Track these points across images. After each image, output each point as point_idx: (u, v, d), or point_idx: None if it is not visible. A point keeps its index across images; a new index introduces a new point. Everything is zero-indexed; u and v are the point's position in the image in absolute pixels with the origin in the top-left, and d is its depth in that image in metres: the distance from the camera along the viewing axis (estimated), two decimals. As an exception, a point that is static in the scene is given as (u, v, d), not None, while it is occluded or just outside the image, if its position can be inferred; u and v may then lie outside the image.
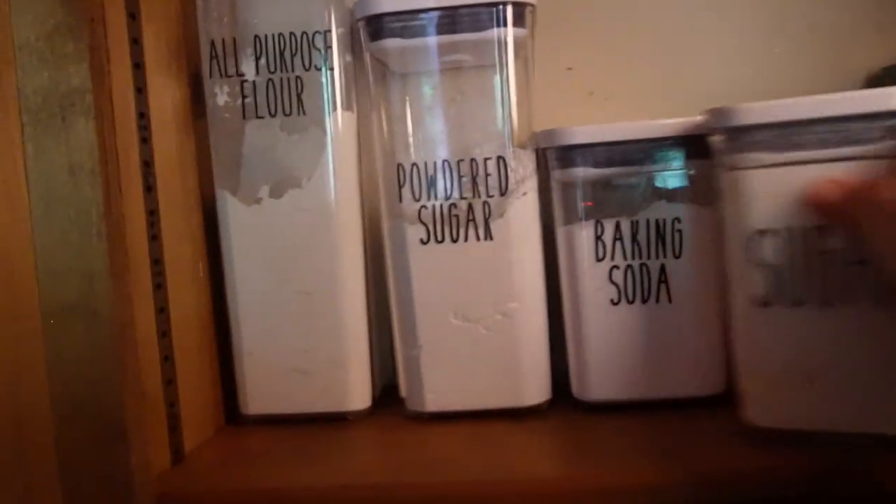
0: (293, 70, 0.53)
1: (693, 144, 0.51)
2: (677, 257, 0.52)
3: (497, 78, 0.52)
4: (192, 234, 0.54)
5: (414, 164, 0.53)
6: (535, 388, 0.54)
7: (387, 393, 0.58)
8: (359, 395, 0.55)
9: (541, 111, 0.54)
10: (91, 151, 0.42)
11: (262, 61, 0.54)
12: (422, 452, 0.49)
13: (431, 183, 0.53)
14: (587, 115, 0.61)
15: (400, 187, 0.53)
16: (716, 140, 0.45)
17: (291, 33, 0.53)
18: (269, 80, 0.54)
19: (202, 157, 0.56)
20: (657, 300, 0.52)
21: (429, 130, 0.53)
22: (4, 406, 0.43)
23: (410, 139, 0.53)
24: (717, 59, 0.60)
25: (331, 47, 0.53)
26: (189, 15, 0.55)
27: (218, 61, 0.54)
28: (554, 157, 0.53)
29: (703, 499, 0.42)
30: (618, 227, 0.52)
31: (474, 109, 0.53)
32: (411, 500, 0.44)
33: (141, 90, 0.48)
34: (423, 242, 0.53)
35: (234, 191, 0.54)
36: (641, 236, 0.52)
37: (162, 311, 0.49)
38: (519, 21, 0.51)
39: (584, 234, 0.52)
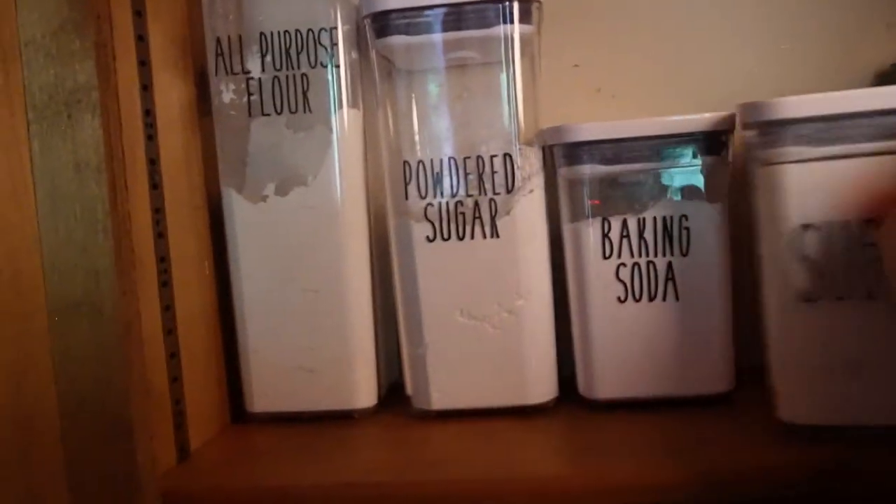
0: (299, 67, 0.53)
1: (701, 141, 0.50)
2: (685, 255, 0.51)
3: (503, 75, 0.52)
4: (198, 231, 0.54)
5: (420, 162, 0.52)
6: (541, 387, 0.53)
7: (393, 391, 0.58)
8: (364, 394, 0.55)
9: (547, 108, 0.54)
10: (97, 148, 0.42)
11: (268, 59, 0.54)
12: (427, 451, 0.49)
13: (437, 180, 0.52)
14: (594, 112, 0.60)
15: (406, 185, 0.53)
16: (749, 135, 0.45)
17: (297, 30, 0.53)
18: (275, 77, 0.54)
19: (208, 154, 0.56)
20: (664, 298, 0.52)
21: (435, 128, 0.53)
22: (11, 403, 0.43)
23: (416, 137, 0.53)
24: (724, 56, 0.60)
25: (336, 44, 0.53)
26: (195, 12, 0.55)
27: (224, 59, 0.54)
28: (560, 154, 0.53)
29: (711, 498, 0.42)
30: (625, 224, 0.52)
31: (480, 107, 0.52)
32: (417, 498, 0.44)
33: (147, 87, 0.48)
34: (429, 240, 0.53)
35: (239, 188, 0.54)
36: (648, 234, 0.52)
37: (168, 308, 0.49)
38: (525, 18, 0.51)
39: (591, 231, 0.52)
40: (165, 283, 0.49)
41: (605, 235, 0.52)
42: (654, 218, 0.51)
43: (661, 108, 0.56)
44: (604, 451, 0.47)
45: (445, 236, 0.52)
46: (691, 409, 0.51)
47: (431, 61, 0.53)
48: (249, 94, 0.54)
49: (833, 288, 0.43)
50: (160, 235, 0.49)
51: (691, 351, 0.52)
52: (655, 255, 0.52)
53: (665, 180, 0.51)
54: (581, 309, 0.53)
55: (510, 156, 0.52)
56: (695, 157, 0.51)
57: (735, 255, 0.52)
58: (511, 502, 0.43)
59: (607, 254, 0.52)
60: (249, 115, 0.54)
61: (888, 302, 0.42)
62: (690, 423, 0.49)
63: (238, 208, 0.55)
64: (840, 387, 0.43)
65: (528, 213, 0.52)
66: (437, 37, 0.52)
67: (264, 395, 0.55)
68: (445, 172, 0.52)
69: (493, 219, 0.52)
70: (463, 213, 0.52)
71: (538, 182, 0.53)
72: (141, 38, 0.48)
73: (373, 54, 0.53)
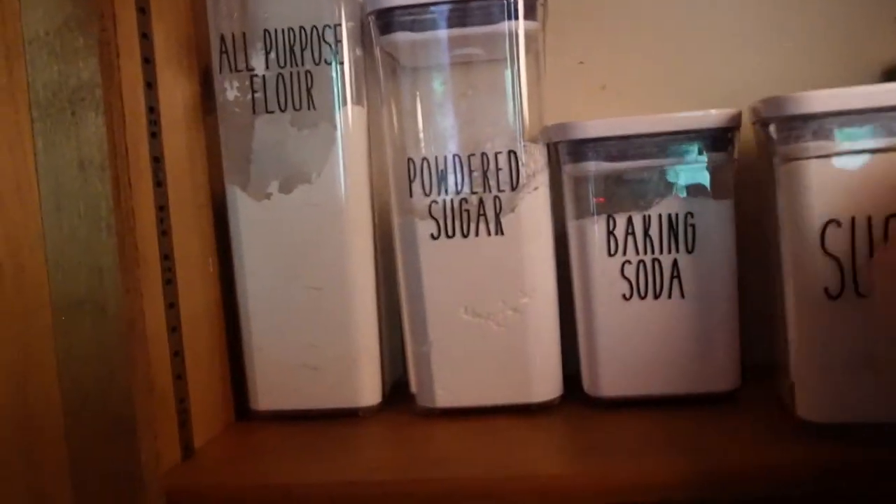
0: (303, 64, 0.53)
1: (707, 138, 0.50)
2: (690, 252, 0.51)
3: (508, 72, 0.51)
4: (202, 229, 0.54)
5: (424, 159, 0.52)
6: (546, 385, 0.53)
7: (397, 389, 0.58)
8: (369, 391, 0.55)
9: (552, 105, 0.54)
10: (100, 146, 0.42)
11: (272, 56, 0.53)
12: (431, 449, 0.49)
13: (442, 178, 0.52)
14: (599, 109, 0.60)
15: (410, 182, 0.53)
16: (771, 130, 0.45)
17: (301, 27, 0.53)
18: (279, 74, 0.53)
19: (212, 152, 0.55)
20: (669, 295, 0.51)
21: (439, 125, 0.53)
22: (15, 401, 0.43)
23: (421, 134, 0.53)
24: (730, 53, 0.60)
25: (341, 41, 0.53)
26: (199, 10, 0.55)
27: (228, 56, 0.54)
28: (565, 151, 0.52)
29: (717, 496, 0.42)
30: (630, 221, 0.51)
31: (485, 104, 0.52)
32: (421, 496, 0.43)
33: (151, 85, 0.48)
34: (434, 237, 0.52)
35: (243, 186, 0.54)
36: (654, 231, 0.51)
37: (172, 306, 0.49)
38: (530, 14, 0.51)
39: (596, 228, 0.52)
40: (169, 281, 0.49)
41: (610, 233, 0.52)
42: (660, 215, 0.51)
43: (666, 105, 0.56)
44: (608, 450, 0.46)
45: (450, 234, 0.52)
46: (697, 407, 0.51)
47: (436, 58, 0.52)
48: (254, 92, 0.54)
49: (856, 284, 0.43)
50: (164, 233, 0.49)
51: (697, 349, 0.51)
52: (661, 252, 0.51)
53: (670, 177, 0.51)
54: (586, 306, 0.53)
55: (515, 153, 0.52)
56: (700, 153, 0.51)
57: (741, 253, 0.52)
58: (515, 500, 0.43)
59: (612, 251, 0.52)
60: (254, 112, 0.54)
61: None
62: (696, 422, 0.49)
63: (242, 206, 0.54)
64: (862, 384, 0.43)
65: (532, 210, 0.52)
66: (442, 33, 0.52)
67: (268, 393, 0.55)
68: (450, 170, 0.52)
69: (497, 216, 0.52)
70: (467, 211, 0.52)
71: (543, 179, 0.53)
72: (145, 36, 0.48)
73: (377, 51, 0.53)
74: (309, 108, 0.53)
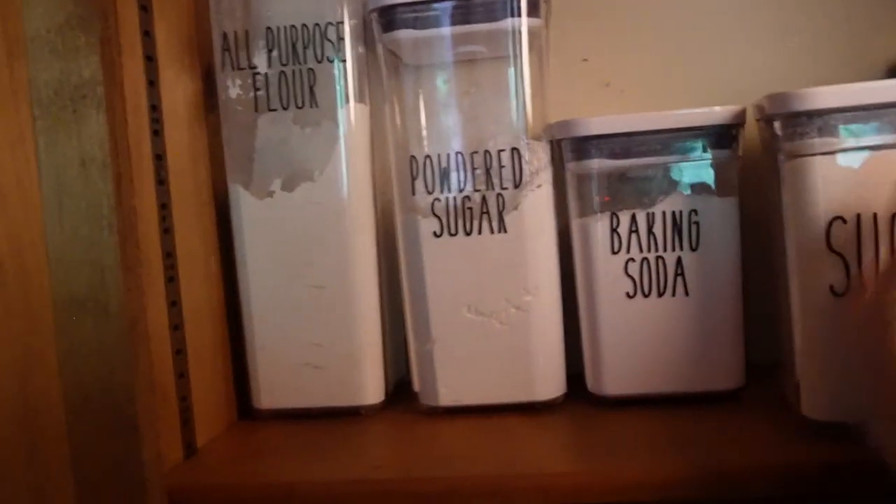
0: (306, 62, 0.53)
1: (711, 135, 0.50)
2: (694, 250, 0.51)
3: (511, 70, 0.51)
4: (205, 227, 0.54)
5: (427, 157, 0.52)
6: (549, 383, 0.53)
7: (400, 387, 0.58)
8: (372, 390, 0.55)
9: (556, 103, 0.53)
10: (102, 144, 0.41)
11: (275, 54, 0.53)
12: (435, 447, 0.49)
13: (445, 175, 0.52)
14: (603, 106, 0.60)
15: (413, 180, 0.52)
16: (775, 127, 0.44)
17: (304, 25, 0.53)
18: (282, 72, 0.53)
19: (214, 150, 0.55)
20: (673, 293, 0.51)
21: (442, 123, 0.52)
22: (16, 400, 0.43)
23: (424, 132, 0.53)
24: (733, 51, 0.60)
25: (343, 39, 0.53)
26: (201, 7, 0.55)
27: (230, 54, 0.54)
28: (569, 148, 0.52)
29: (721, 495, 0.41)
30: (633, 219, 0.51)
31: (488, 101, 0.52)
32: (424, 495, 0.43)
33: (153, 83, 0.48)
34: (437, 235, 0.52)
35: (246, 184, 0.54)
36: (657, 228, 0.51)
37: (174, 304, 0.49)
38: (533, 11, 0.51)
39: (600, 226, 0.52)
40: (172, 279, 0.49)
41: (613, 230, 0.51)
42: (664, 213, 0.51)
43: (669, 102, 0.55)
44: (612, 448, 0.46)
45: (453, 232, 0.52)
46: (701, 405, 0.51)
47: (439, 56, 0.52)
48: (256, 90, 0.54)
49: (861, 282, 0.42)
50: (166, 231, 0.48)
51: (701, 347, 0.51)
52: (665, 250, 0.51)
53: (674, 175, 0.51)
54: (589, 304, 0.53)
55: (518, 150, 0.51)
56: (705, 151, 0.50)
57: (745, 250, 0.51)
58: (519, 499, 0.43)
59: (616, 249, 0.52)
60: (256, 110, 0.54)
61: None
62: (700, 420, 0.49)
63: (245, 204, 0.54)
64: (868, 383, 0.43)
65: (536, 208, 0.52)
66: (445, 31, 0.51)
67: (271, 392, 0.55)
68: (453, 167, 0.52)
69: (500, 214, 0.52)
70: (470, 209, 0.52)
71: (546, 177, 0.52)
72: (147, 34, 0.48)
73: (380, 49, 0.53)
74: (311, 106, 0.53)
